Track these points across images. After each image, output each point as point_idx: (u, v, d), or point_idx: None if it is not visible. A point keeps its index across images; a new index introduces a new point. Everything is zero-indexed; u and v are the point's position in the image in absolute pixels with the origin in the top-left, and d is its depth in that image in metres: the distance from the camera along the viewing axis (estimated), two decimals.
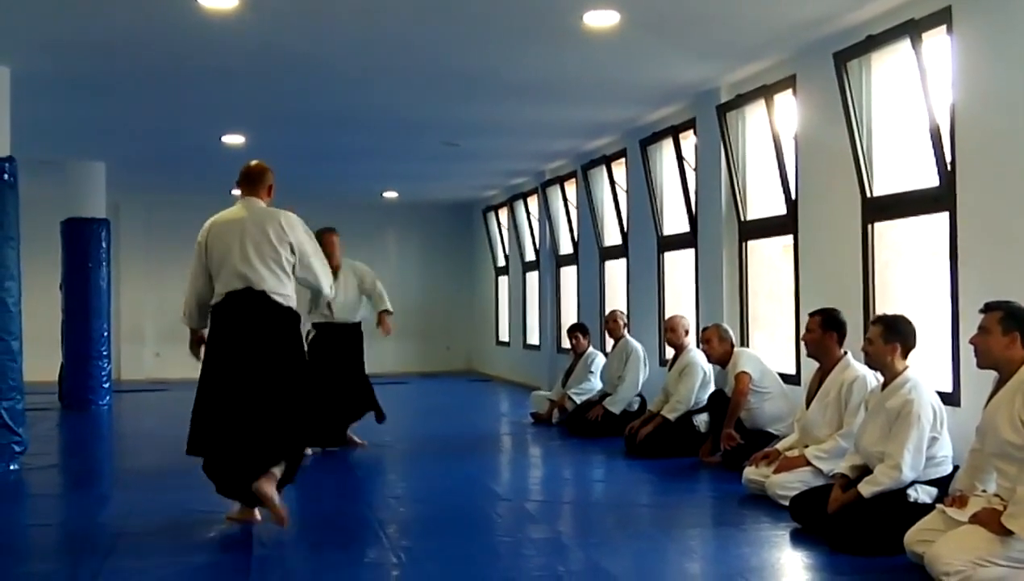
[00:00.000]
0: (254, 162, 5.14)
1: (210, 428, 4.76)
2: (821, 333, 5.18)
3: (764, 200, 7.10)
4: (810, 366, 5.50)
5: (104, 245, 10.64)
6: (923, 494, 4.20)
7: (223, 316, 4.79)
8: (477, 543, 4.60)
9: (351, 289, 7.19)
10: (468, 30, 5.92)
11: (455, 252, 15.88)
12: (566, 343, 9.71)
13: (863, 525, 4.16)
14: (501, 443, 8.27)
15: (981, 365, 3.85)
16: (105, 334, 10.59)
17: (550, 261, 12.01)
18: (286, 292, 4.80)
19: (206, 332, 4.99)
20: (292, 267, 4.83)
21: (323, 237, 7.18)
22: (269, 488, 4.61)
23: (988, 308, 3.82)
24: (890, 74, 5.73)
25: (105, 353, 10.59)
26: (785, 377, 6.43)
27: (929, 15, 5.14)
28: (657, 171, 8.80)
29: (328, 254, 6.98)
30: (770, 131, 6.73)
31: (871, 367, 4.65)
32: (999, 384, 3.77)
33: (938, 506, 3.92)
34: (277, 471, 4.69)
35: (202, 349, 4.98)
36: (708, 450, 6.50)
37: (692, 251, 7.99)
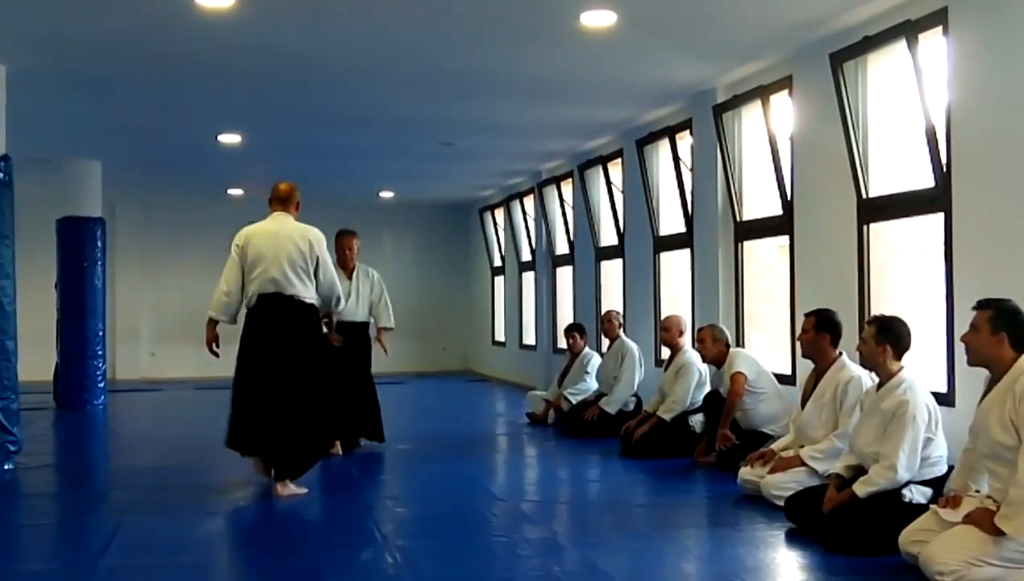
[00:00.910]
0: (284, 183, 5.82)
1: (250, 419, 5.51)
2: (814, 334, 5.18)
3: (760, 201, 7.10)
4: (805, 366, 5.51)
5: (100, 244, 10.60)
6: (918, 494, 4.20)
7: (257, 316, 5.56)
8: (473, 543, 4.60)
9: (363, 294, 7.24)
10: (464, 29, 5.92)
11: (451, 252, 15.88)
12: (562, 343, 9.73)
13: (858, 525, 4.16)
14: (497, 443, 8.27)
15: (971, 362, 3.86)
16: (100, 334, 10.56)
17: (546, 261, 12.01)
18: (310, 294, 5.62)
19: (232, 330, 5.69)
20: (314, 274, 5.63)
21: (341, 240, 7.22)
22: (287, 490, 5.49)
23: (980, 306, 3.81)
24: (886, 75, 5.73)
25: (100, 353, 10.56)
26: (781, 377, 6.44)
27: (925, 16, 5.15)
28: (653, 171, 8.80)
29: (345, 257, 7.17)
30: (766, 132, 6.74)
31: (865, 367, 4.66)
32: (991, 383, 3.77)
33: (932, 507, 3.92)
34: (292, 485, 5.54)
35: (215, 346, 5.66)
36: (704, 450, 6.50)
37: (688, 251, 7.99)
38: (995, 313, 3.73)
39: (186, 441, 7.87)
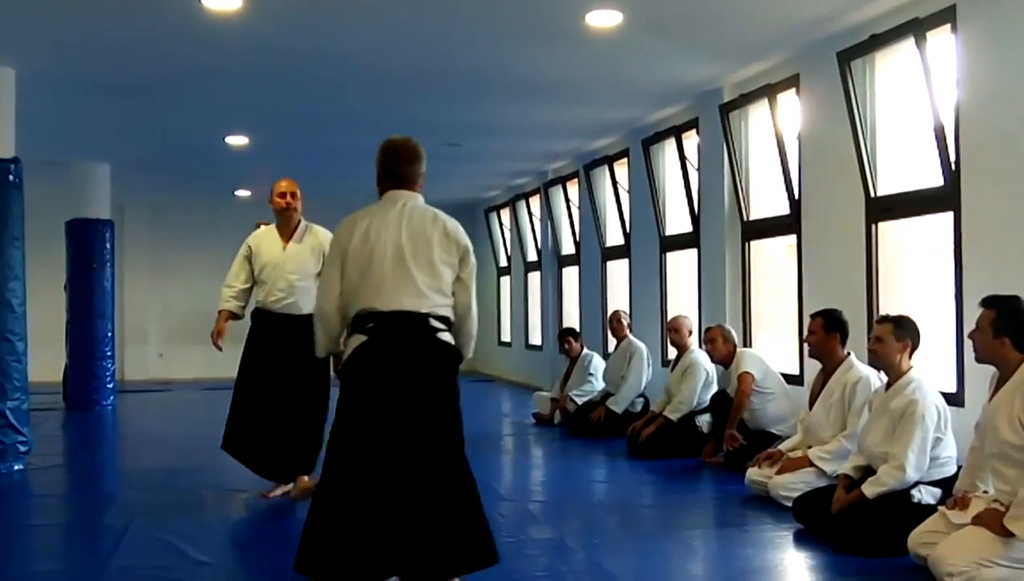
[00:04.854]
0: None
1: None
2: (823, 335, 5.16)
3: (767, 200, 7.09)
4: (813, 366, 5.49)
5: (108, 246, 10.67)
6: (927, 495, 4.19)
7: None
8: None
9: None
10: (470, 30, 5.92)
11: None
12: None
13: (867, 526, 4.16)
14: (503, 443, 8.26)
15: (979, 360, 3.84)
16: (109, 334, 10.61)
17: (552, 261, 12.00)
18: None
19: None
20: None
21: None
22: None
23: (985, 304, 3.79)
24: (894, 73, 5.72)
25: (109, 353, 10.61)
26: (788, 377, 6.43)
27: (933, 14, 5.13)
28: (659, 171, 8.80)
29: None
30: (773, 131, 6.72)
31: (877, 366, 4.63)
32: (999, 382, 3.75)
33: (940, 508, 3.91)
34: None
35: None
36: (711, 451, 6.50)
37: (695, 251, 7.98)
38: (997, 316, 3.70)
39: (195, 441, 7.88)
